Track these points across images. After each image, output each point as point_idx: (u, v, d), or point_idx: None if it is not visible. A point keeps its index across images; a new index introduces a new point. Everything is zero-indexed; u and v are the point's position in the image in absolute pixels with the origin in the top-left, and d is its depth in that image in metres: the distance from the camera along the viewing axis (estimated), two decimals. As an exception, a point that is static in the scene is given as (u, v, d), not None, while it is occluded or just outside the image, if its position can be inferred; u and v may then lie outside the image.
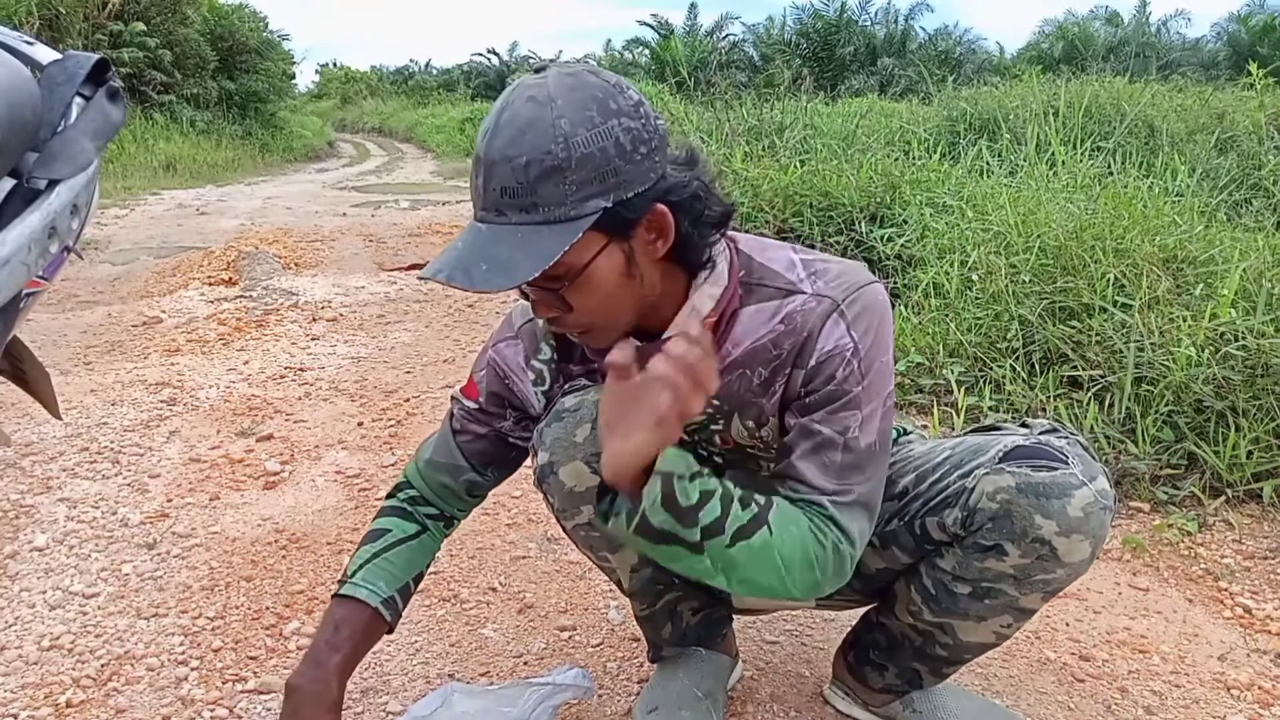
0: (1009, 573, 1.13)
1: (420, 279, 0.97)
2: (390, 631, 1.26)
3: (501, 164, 0.94)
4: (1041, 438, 1.14)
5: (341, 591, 1.23)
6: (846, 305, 1.08)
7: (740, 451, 1.21)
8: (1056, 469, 1.09)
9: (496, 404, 1.26)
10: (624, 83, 0.98)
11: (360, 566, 1.24)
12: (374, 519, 1.33)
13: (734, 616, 1.49)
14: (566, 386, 1.22)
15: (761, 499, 1.03)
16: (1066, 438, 1.15)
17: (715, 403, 1.15)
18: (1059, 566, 1.11)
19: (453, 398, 1.32)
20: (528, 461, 1.27)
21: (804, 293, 1.09)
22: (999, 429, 1.23)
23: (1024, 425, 1.21)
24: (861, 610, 1.42)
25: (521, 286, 0.99)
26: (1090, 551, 1.10)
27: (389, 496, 1.36)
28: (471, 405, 1.28)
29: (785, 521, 1.02)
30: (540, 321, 1.21)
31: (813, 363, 1.07)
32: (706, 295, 1.08)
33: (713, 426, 1.19)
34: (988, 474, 1.12)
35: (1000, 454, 1.13)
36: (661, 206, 0.98)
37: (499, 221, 0.95)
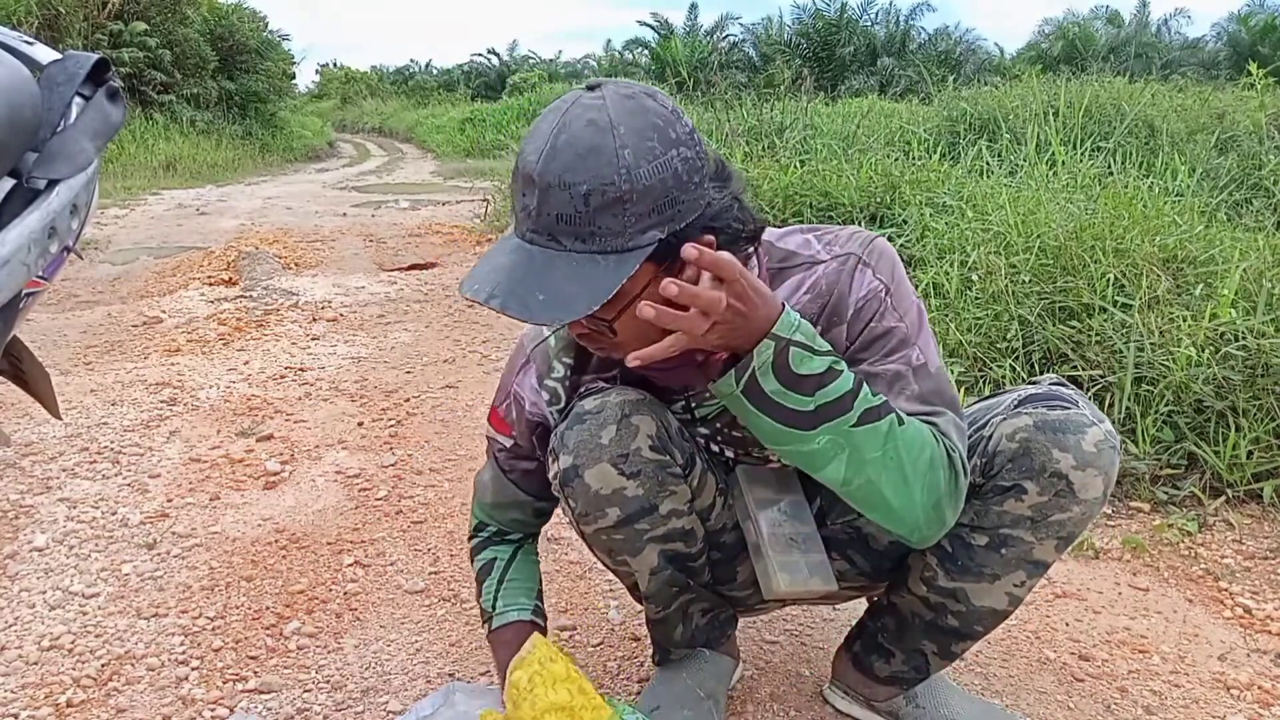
0: (1026, 514, 1.14)
1: (466, 298, 0.94)
2: (544, 634, 1.36)
3: (559, 190, 0.91)
4: (1050, 387, 1.19)
5: (495, 626, 1.36)
6: (866, 255, 1.12)
7: None
8: (1069, 409, 1.13)
9: (533, 435, 1.27)
10: (678, 109, 0.98)
11: (496, 597, 1.37)
12: (473, 559, 1.43)
13: (738, 618, 1.50)
14: (582, 390, 1.21)
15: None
16: (1071, 389, 1.20)
17: None
18: (1074, 503, 1.12)
19: (488, 437, 1.35)
20: None
21: (824, 260, 1.13)
22: (1004, 391, 1.26)
23: (1030, 383, 1.25)
24: (862, 609, 1.43)
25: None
26: (1103, 489, 1.12)
27: (472, 537, 1.45)
28: (508, 442, 1.31)
29: (911, 422, 1.03)
30: (551, 341, 1.23)
31: (850, 313, 1.10)
32: None
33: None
34: (1004, 420, 1.15)
35: (1015, 401, 1.17)
36: (709, 235, 0.97)
37: (551, 246, 0.93)
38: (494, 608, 1.37)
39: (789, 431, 1.00)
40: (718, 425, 1.24)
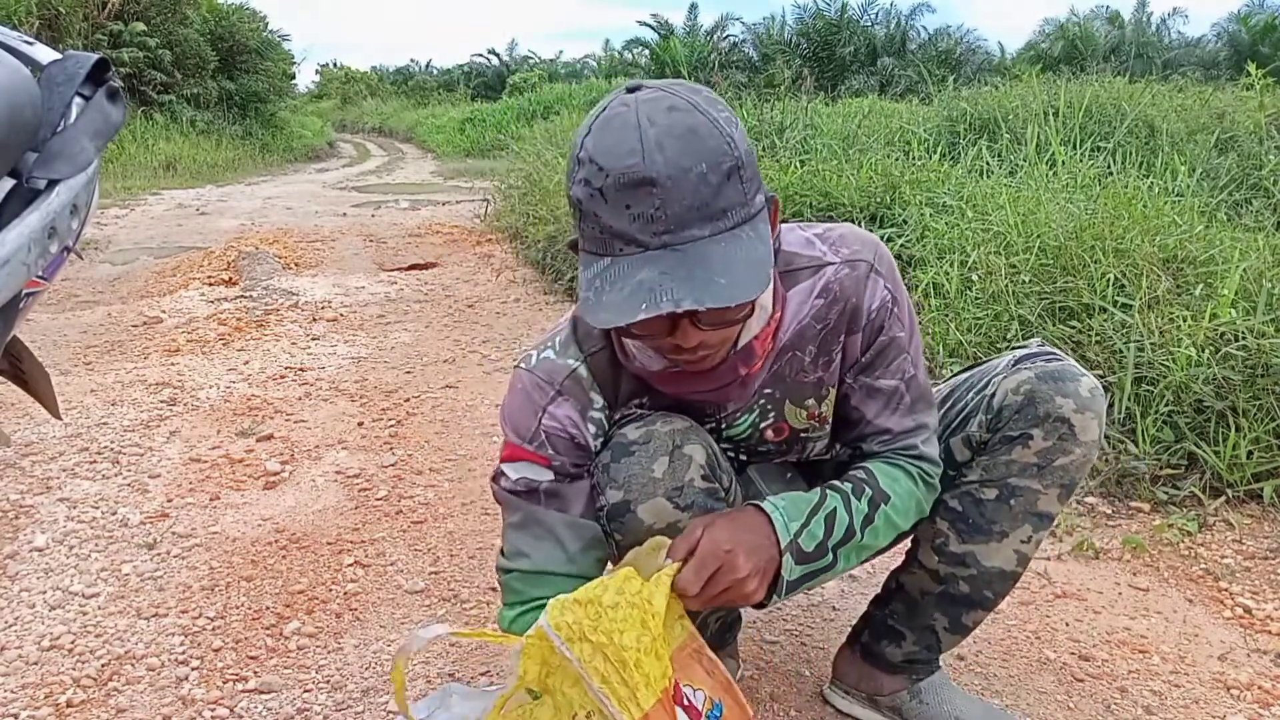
0: (1033, 461, 1.20)
1: (624, 325, 0.88)
2: None
3: (681, 180, 0.88)
4: (1040, 347, 1.26)
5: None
6: (877, 263, 1.16)
7: (793, 437, 1.23)
8: (1063, 360, 1.22)
9: (577, 457, 1.14)
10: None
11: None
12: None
13: (742, 619, 1.50)
14: (619, 417, 1.16)
15: (862, 473, 1.17)
16: (1057, 350, 1.27)
17: (767, 393, 1.17)
18: (1075, 445, 1.18)
19: (508, 492, 1.15)
20: None
21: (833, 262, 1.15)
22: (995, 356, 1.32)
23: (1020, 347, 1.31)
24: (862, 608, 1.43)
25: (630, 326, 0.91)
26: (1098, 432, 1.19)
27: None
28: (547, 475, 1.13)
29: (891, 482, 1.17)
30: (583, 372, 1.13)
31: (864, 322, 1.16)
32: (767, 294, 1.06)
33: (762, 424, 1.20)
34: (1005, 377, 1.22)
35: (1013, 361, 1.24)
36: (775, 199, 1.01)
37: (689, 240, 0.89)
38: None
39: (819, 577, 1.13)
40: (742, 445, 1.24)
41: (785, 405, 1.19)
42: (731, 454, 1.26)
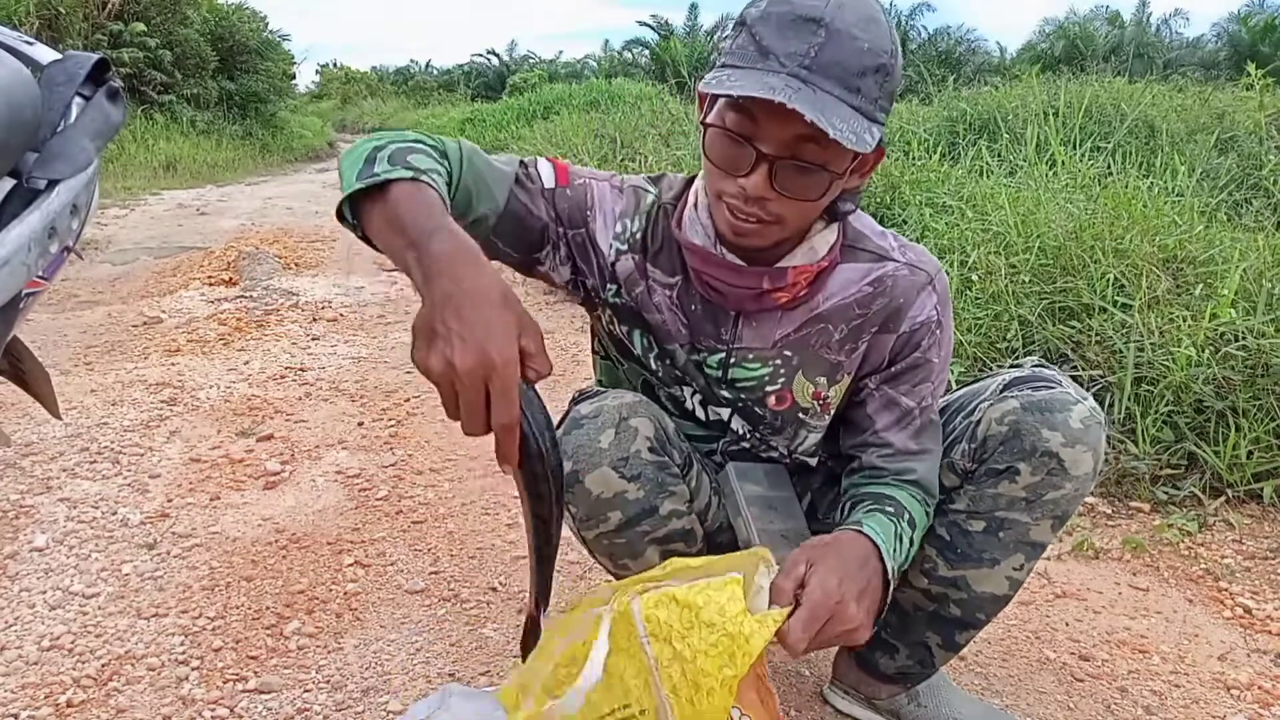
0: (1021, 495, 1.17)
1: (736, 95, 0.94)
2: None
3: (847, 39, 0.94)
4: (1033, 370, 1.23)
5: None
6: (937, 280, 1.18)
7: (791, 414, 1.22)
8: (1053, 388, 1.17)
9: (567, 207, 1.16)
10: None
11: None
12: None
13: None
14: (577, 394, 1.20)
15: (883, 492, 1.17)
16: (1054, 370, 1.23)
17: (786, 354, 1.17)
18: (1066, 480, 1.15)
19: (524, 162, 1.15)
20: None
21: (896, 260, 1.17)
22: (989, 375, 1.29)
23: (1014, 367, 1.28)
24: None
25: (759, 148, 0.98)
26: (1092, 465, 1.15)
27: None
28: (550, 182, 1.15)
29: (913, 504, 1.17)
30: (648, 197, 1.19)
31: (904, 329, 1.16)
32: (824, 240, 1.13)
33: (769, 387, 1.19)
34: (991, 405, 1.19)
35: (1001, 386, 1.21)
36: (883, 145, 1.04)
37: (819, 85, 0.94)
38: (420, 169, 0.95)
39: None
40: (742, 395, 1.22)
41: (798, 375, 1.19)
42: (726, 420, 1.25)
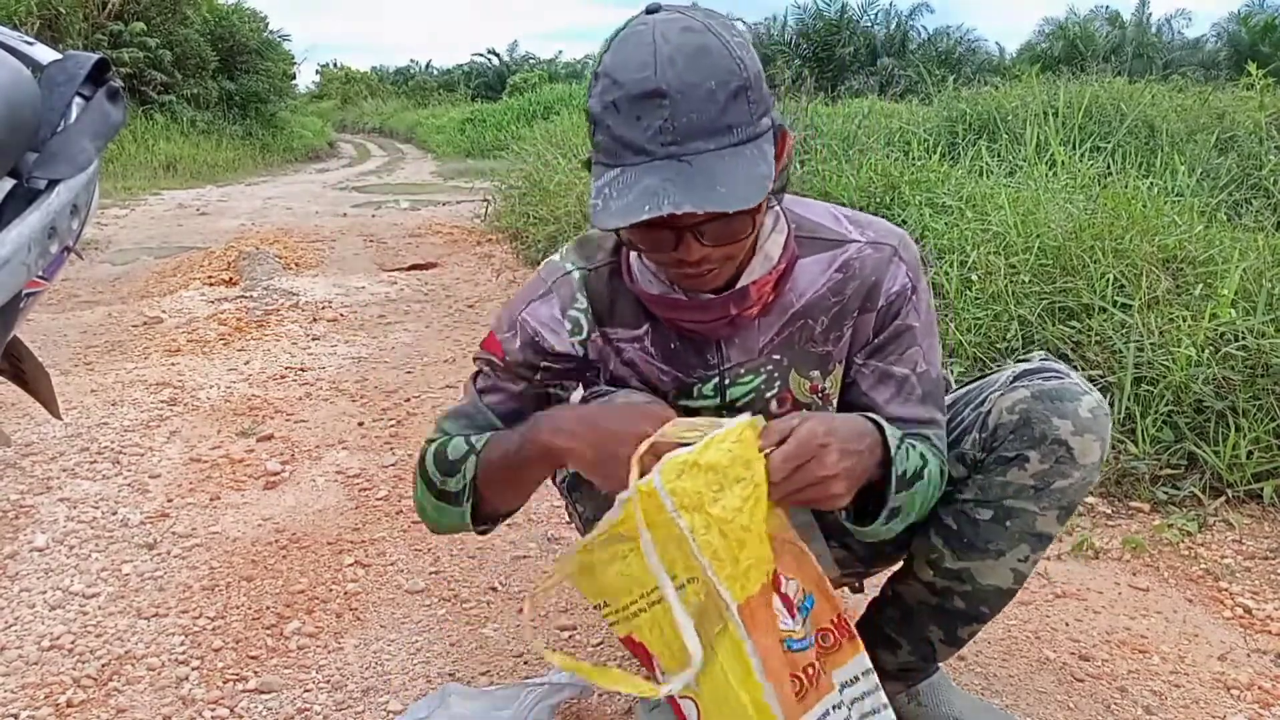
0: (1029, 484, 1.17)
1: (626, 228, 0.94)
2: None
3: (691, 92, 0.92)
4: (1042, 362, 1.23)
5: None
6: (902, 249, 1.17)
7: (795, 410, 1.21)
8: (1063, 379, 1.18)
9: (526, 368, 1.20)
10: None
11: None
12: (433, 457, 1.19)
13: None
14: (588, 393, 1.20)
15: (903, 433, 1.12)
16: (1061, 364, 1.24)
17: (775, 357, 1.17)
18: (1074, 469, 1.15)
19: (476, 358, 1.23)
20: None
21: (856, 241, 1.17)
22: (997, 370, 1.30)
23: (1022, 361, 1.28)
24: (861, 610, 1.42)
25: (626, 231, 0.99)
26: (1099, 453, 1.16)
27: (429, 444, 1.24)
28: (498, 363, 1.20)
29: (925, 450, 1.14)
30: (575, 275, 1.19)
31: (881, 304, 1.16)
32: (775, 245, 1.12)
33: (768, 393, 1.19)
34: (1002, 395, 1.19)
35: (1011, 377, 1.21)
36: (784, 129, 1.02)
37: (694, 152, 0.93)
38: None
39: (896, 520, 1.10)
40: (745, 409, 1.21)
41: (791, 374, 1.19)
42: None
